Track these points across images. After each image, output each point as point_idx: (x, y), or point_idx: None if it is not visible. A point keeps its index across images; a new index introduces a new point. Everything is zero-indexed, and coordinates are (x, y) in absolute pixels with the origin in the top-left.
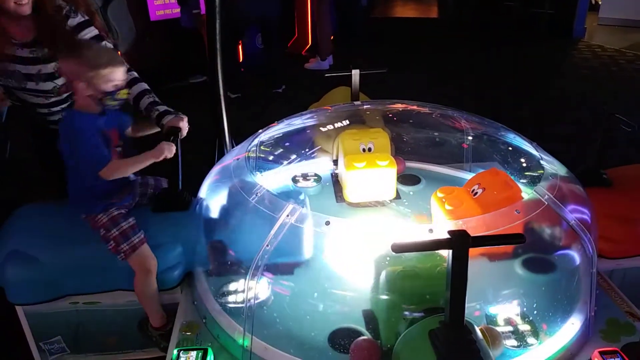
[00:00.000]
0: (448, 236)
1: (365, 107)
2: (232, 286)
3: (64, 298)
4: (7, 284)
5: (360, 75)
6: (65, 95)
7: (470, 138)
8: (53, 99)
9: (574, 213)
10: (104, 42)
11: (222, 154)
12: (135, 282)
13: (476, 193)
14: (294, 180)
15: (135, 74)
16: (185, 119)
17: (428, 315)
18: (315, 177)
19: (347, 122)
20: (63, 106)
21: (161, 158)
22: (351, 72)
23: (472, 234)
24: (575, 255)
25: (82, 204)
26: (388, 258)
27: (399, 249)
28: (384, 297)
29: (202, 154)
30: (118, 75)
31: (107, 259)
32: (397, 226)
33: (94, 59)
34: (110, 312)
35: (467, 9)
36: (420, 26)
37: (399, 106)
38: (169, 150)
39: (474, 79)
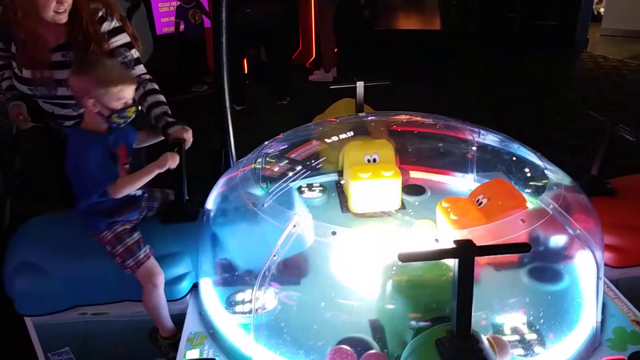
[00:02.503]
0: (454, 245)
1: (369, 118)
2: (239, 296)
3: (72, 309)
4: (16, 295)
5: (365, 87)
6: None
7: (474, 148)
8: (81, 110)
9: (579, 222)
10: (133, 50)
11: (228, 166)
12: (143, 295)
13: (481, 203)
14: (300, 190)
15: (155, 85)
16: (190, 131)
17: (435, 324)
18: (321, 188)
19: (352, 133)
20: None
21: (165, 168)
22: (355, 84)
23: (477, 243)
24: (581, 264)
25: (88, 221)
26: (394, 268)
27: (405, 258)
28: (391, 306)
29: (208, 166)
30: (128, 93)
31: (115, 270)
32: (403, 236)
33: (105, 76)
34: (119, 322)
35: (470, 21)
36: (423, 38)
37: (403, 117)
38: (173, 160)
39: (478, 90)
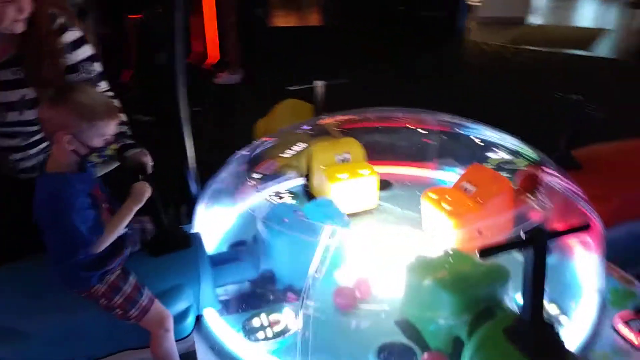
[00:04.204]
0: (523, 235)
1: (321, 120)
2: (256, 322)
3: None
4: None
5: (323, 86)
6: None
7: (431, 137)
8: (33, 139)
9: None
10: (97, 64)
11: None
12: (153, 343)
13: (470, 191)
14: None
15: (116, 103)
16: (148, 154)
17: (483, 316)
18: (292, 195)
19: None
20: (42, 146)
21: (144, 201)
22: (313, 84)
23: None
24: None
25: (73, 281)
26: (417, 263)
27: (485, 253)
28: (428, 305)
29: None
30: (112, 128)
31: (108, 319)
32: (420, 233)
33: (90, 107)
34: None
35: (361, 15)
36: (314, 34)
37: (351, 117)
38: (147, 190)
39: (382, 82)
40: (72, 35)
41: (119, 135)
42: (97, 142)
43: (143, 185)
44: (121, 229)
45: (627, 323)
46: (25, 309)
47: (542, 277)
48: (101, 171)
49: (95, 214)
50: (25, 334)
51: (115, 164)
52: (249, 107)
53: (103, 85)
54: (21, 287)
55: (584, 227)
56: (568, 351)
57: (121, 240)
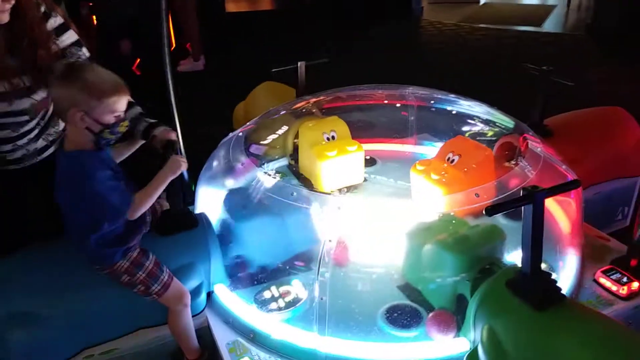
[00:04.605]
0: (523, 193)
1: (304, 100)
2: (267, 294)
3: (78, 354)
4: (12, 354)
5: (306, 67)
6: (34, 122)
7: (409, 111)
8: (22, 129)
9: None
10: (84, 49)
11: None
12: (171, 319)
13: (453, 160)
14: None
15: None
16: (173, 131)
17: (483, 273)
18: (280, 174)
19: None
20: (30, 137)
21: (179, 173)
22: (297, 65)
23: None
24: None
25: (98, 257)
26: (418, 229)
27: (492, 211)
28: (430, 267)
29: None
30: (122, 104)
31: (123, 299)
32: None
33: (98, 84)
34: (131, 356)
35: None
36: (272, 17)
37: (328, 97)
38: (184, 164)
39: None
40: (54, 21)
41: (139, 116)
42: (109, 119)
43: (180, 159)
44: (155, 197)
45: (606, 275)
46: (43, 296)
47: (541, 232)
48: (122, 154)
49: (120, 184)
50: (41, 318)
51: (139, 144)
52: (216, 93)
53: None
54: (35, 274)
55: (575, 184)
56: (565, 297)
57: (141, 218)
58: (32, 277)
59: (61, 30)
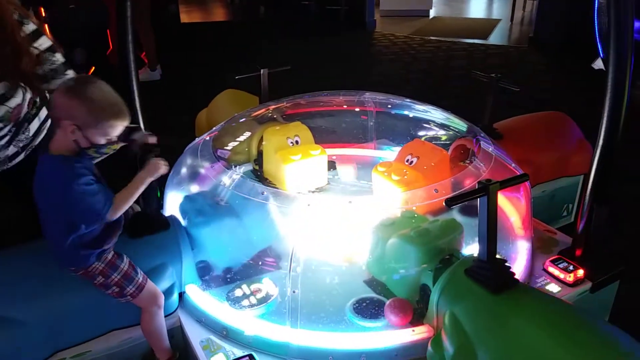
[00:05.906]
0: (478, 186)
1: (266, 106)
2: (238, 292)
3: (49, 358)
4: None
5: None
6: (6, 129)
7: (368, 116)
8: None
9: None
10: (58, 54)
11: None
12: (144, 320)
13: (412, 162)
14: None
15: None
16: (154, 135)
17: (444, 263)
18: (244, 178)
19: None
20: (2, 144)
21: (158, 176)
22: (260, 72)
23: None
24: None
25: (73, 259)
26: (382, 225)
27: (452, 203)
28: (393, 259)
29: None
30: (117, 130)
31: (95, 301)
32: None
33: (100, 104)
34: (103, 358)
35: (265, 9)
36: (220, 29)
37: (289, 103)
38: (164, 167)
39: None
40: (27, 28)
41: None
42: (99, 140)
43: (160, 162)
44: (134, 199)
45: (554, 264)
46: (12, 298)
47: (495, 221)
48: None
49: (100, 186)
50: (11, 321)
51: (118, 146)
52: (174, 102)
53: (70, 74)
54: (5, 276)
55: (524, 177)
56: (519, 281)
57: (117, 221)
58: (1, 281)
59: (34, 36)
